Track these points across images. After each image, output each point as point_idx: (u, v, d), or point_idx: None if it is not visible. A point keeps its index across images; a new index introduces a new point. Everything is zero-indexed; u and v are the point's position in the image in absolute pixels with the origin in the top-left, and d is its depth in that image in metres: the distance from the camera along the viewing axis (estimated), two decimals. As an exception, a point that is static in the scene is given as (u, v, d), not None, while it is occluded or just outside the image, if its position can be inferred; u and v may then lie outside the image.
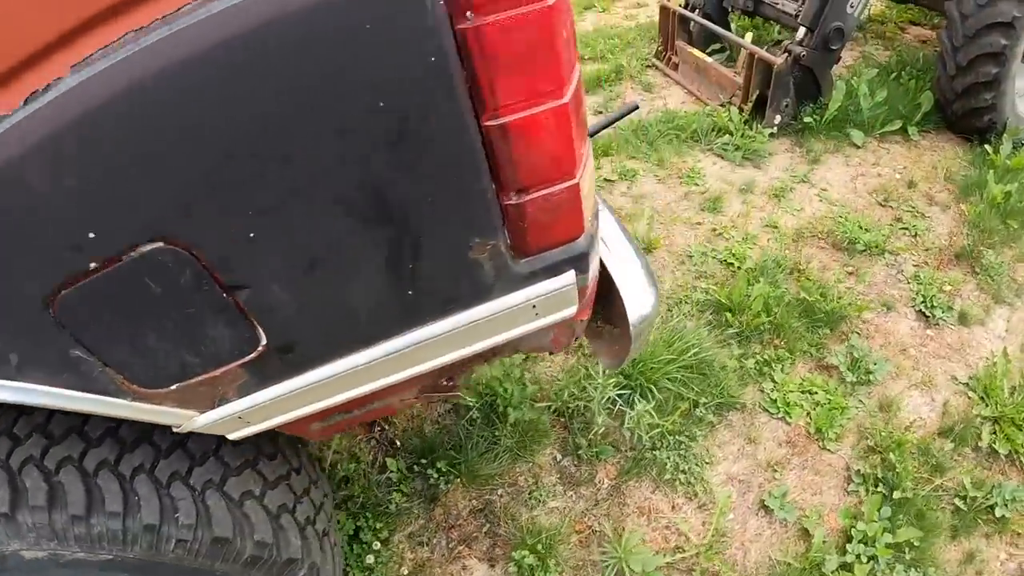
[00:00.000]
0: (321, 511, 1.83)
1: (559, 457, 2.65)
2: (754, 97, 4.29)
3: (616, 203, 3.96)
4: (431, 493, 2.59)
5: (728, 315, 3.00)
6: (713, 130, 4.43)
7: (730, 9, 4.98)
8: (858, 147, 4.23)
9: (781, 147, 4.34)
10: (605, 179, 4.17)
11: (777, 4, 4.39)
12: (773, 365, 2.84)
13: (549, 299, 1.14)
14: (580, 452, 2.59)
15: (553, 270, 1.12)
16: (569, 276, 1.13)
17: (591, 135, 3.14)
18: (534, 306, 1.14)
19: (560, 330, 1.29)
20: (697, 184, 4.07)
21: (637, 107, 2.96)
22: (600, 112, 4.99)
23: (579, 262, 1.13)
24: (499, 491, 2.60)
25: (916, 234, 3.53)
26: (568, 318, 1.19)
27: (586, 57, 5.69)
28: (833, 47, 4.02)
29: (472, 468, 2.59)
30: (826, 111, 4.25)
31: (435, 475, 2.58)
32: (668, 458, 2.52)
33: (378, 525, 2.51)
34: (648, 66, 5.42)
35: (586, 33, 6.17)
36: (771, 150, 4.28)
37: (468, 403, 2.73)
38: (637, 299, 1.30)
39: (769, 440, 2.60)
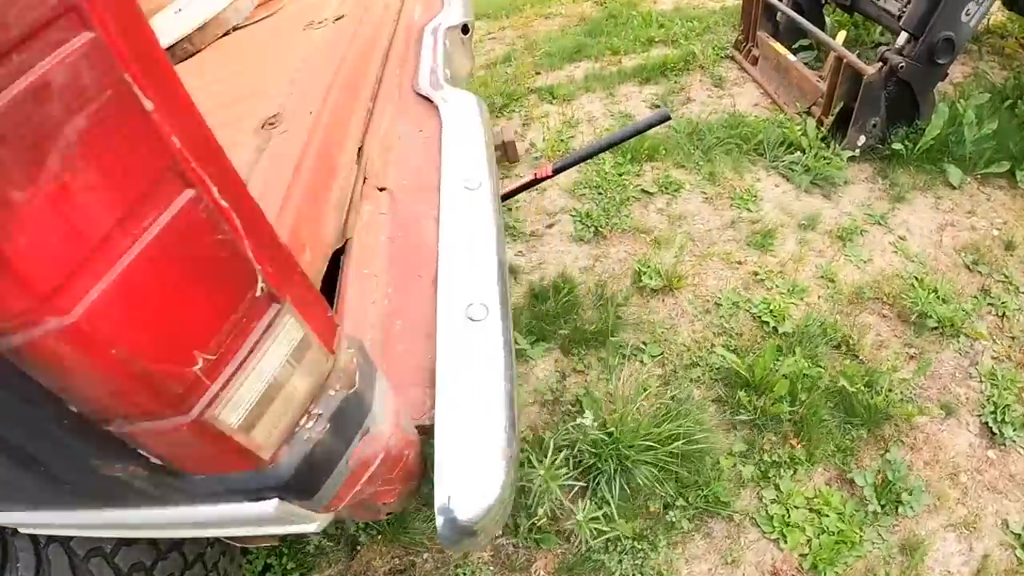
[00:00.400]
0: (194, 566, 1.79)
1: (498, 532, 2.26)
2: (837, 110, 3.57)
3: (648, 221, 3.42)
4: (354, 539, 2.30)
5: (743, 394, 2.46)
6: (782, 144, 3.75)
7: (825, 1, 4.19)
8: (953, 188, 3.47)
9: (860, 175, 3.62)
10: (643, 190, 3.62)
11: (878, 0, 3.60)
12: (783, 469, 2.29)
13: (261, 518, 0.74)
14: (519, 535, 2.19)
15: (244, 495, 0.73)
16: (271, 504, 0.72)
17: (608, 147, 2.63)
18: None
19: (356, 510, 0.87)
20: (750, 210, 3.46)
21: (669, 118, 2.49)
22: (658, 105, 4.37)
23: (287, 491, 0.71)
24: (425, 555, 2.29)
25: (1004, 314, 2.83)
26: (309, 532, 0.78)
27: (656, 40, 5.03)
28: (940, 61, 3.25)
29: (401, 521, 2.28)
30: (921, 138, 3.48)
31: (353, 526, 2.27)
32: (619, 564, 2.08)
33: (290, 565, 2.28)
34: (724, 57, 4.71)
35: (663, 12, 5.47)
36: (847, 178, 3.57)
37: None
38: (462, 487, 0.82)
39: (751, 565, 2.10)
